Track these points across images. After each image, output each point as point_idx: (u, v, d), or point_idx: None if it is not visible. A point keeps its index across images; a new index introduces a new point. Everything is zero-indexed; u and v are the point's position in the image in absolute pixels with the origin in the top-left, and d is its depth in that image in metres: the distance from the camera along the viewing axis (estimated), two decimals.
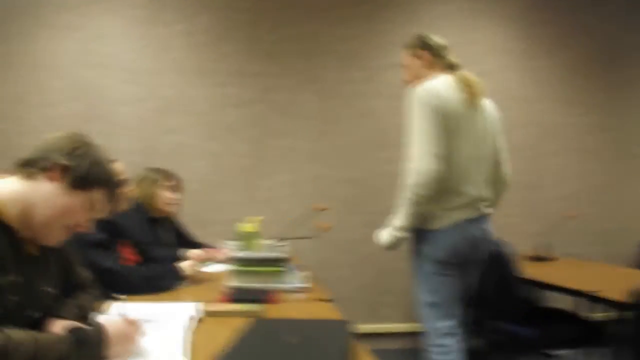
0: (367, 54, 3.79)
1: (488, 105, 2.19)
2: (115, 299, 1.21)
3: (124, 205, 2.12)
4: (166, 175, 2.60)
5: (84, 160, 1.13)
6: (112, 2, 3.62)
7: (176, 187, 2.62)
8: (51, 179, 1.10)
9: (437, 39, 2.25)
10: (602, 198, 4.11)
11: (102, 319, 1.14)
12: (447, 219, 2.04)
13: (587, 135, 4.11)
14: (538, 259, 3.39)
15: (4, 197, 1.09)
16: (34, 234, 1.14)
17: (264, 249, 2.56)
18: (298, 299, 1.84)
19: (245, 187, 3.67)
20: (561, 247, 3.60)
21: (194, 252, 2.44)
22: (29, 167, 1.11)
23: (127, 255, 2.11)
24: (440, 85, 2.05)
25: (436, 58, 2.21)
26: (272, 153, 3.70)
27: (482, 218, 2.12)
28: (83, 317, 1.30)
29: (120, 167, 2.07)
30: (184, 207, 2.71)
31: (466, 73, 2.15)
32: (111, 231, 2.02)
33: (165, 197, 2.55)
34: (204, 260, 2.44)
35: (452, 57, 2.23)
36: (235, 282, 1.94)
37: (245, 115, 3.67)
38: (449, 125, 2.00)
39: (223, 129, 3.66)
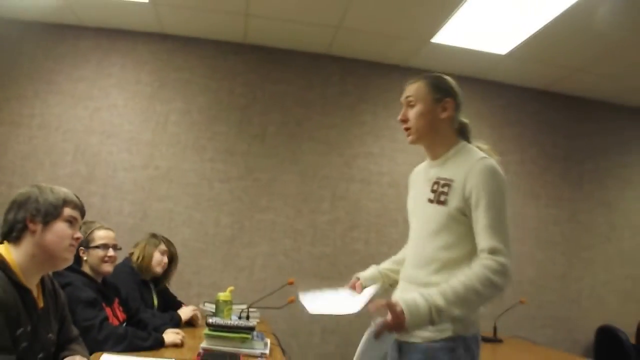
0: (345, 142, 4.15)
1: None
2: None
3: (107, 269, 2.34)
4: (164, 240, 3.02)
5: (30, 204, 1.46)
6: (120, 77, 4.01)
7: (167, 253, 2.99)
8: (30, 232, 1.45)
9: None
10: (561, 286, 4.37)
11: None
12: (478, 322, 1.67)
13: (553, 226, 4.38)
14: (484, 339, 3.60)
15: (15, 262, 1.42)
16: (52, 266, 1.52)
17: (236, 315, 2.88)
18: None
19: (225, 255, 3.95)
20: (509, 329, 3.83)
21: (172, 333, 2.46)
22: (10, 234, 1.45)
23: (117, 313, 2.36)
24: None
25: (457, 113, 1.67)
26: (252, 226, 3.99)
27: None
28: None
29: (111, 234, 2.38)
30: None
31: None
32: (102, 292, 2.27)
33: (157, 258, 2.92)
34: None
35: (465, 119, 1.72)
36: (207, 345, 2.21)
37: (230, 190, 4.00)
38: None
39: (210, 201, 3.98)
